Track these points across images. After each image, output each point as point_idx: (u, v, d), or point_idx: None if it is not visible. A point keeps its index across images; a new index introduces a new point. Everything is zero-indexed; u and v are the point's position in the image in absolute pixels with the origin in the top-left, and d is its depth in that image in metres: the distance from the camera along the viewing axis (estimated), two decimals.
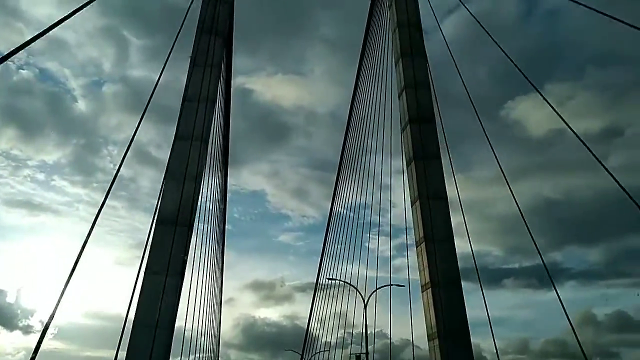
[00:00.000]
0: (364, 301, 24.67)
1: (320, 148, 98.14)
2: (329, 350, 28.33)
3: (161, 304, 11.68)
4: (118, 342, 9.85)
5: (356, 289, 24.04)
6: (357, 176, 23.68)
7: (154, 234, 12.14)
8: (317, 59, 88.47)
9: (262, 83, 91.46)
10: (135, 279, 10.46)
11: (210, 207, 22.60)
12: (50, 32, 5.67)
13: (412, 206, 14.37)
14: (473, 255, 12.92)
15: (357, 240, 22.62)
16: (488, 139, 12.82)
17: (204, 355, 36.02)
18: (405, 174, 15.02)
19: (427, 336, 13.06)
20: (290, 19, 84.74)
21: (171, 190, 13.18)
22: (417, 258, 13.76)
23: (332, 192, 31.08)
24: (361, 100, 24.21)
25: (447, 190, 13.96)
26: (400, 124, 15.62)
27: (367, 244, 22.84)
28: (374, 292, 23.15)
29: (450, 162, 14.46)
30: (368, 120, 21.20)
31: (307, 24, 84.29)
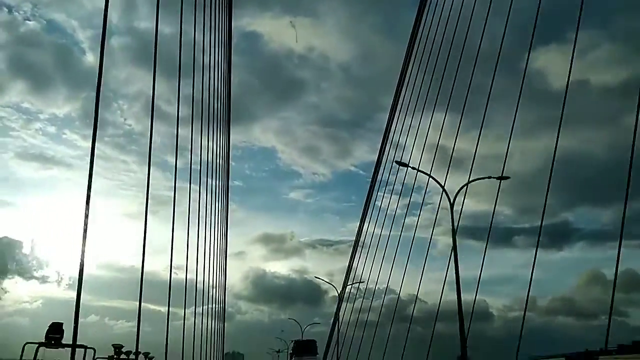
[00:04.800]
0: (338, 294, 31.37)
1: (331, 105, 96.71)
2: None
3: None
4: (139, 294, 9.98)
5: (332, 284, 34.23)
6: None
7: None
8: (329, 11, 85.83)
9: (270, 31, 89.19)
10: (144, 232, 10.41)
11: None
12: None
13: None
14: None
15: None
16: None
17: (215, 306, 39.69)
18: None
19: None
20: None
21: None
22: None
23: (381, 142, 32.21)
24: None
25: (461, 147, 13.35)
26: None
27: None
28: (345, 286, 30.13)
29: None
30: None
31: None
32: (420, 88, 20.08)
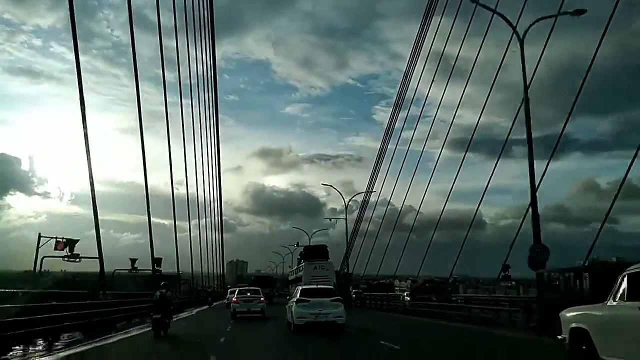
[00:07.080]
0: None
1: (328, 12, 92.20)
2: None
3: None
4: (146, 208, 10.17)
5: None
6: None
7: None
8: None
9: None
10: (141, 147, 10.39)
11: None
12: None
13: None
14: None
15: None
16: None
17: (216, 218, 42.86)
18: None
19: None
20: None
21: None
22: None
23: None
24: None
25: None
26: None
27: None
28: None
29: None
30: None
31: None
32: None
